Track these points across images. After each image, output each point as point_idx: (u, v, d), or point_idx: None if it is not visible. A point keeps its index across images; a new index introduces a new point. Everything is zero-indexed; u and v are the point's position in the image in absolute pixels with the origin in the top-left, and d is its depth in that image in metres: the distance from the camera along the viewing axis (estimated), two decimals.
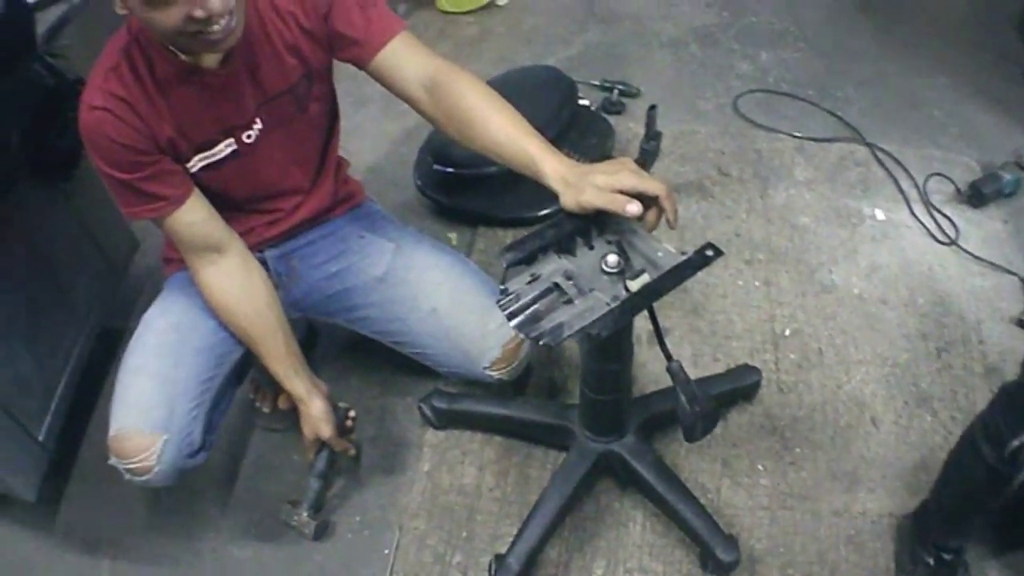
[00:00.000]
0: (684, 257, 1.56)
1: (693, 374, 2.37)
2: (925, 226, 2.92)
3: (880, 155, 3.20)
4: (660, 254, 1.58)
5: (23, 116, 2.16)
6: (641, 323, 2.50)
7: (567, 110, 2.98)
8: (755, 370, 2.42)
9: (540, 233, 1.63)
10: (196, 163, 1.90)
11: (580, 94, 3.23)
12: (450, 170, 2.90)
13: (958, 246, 2.84)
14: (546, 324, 1.51)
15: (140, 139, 1.77)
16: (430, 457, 2.41)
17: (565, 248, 1.63)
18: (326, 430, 2.09)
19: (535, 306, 1.54)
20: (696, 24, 3.96)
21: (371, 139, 3.46)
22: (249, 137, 1.92)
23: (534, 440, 2.39)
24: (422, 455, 2.42)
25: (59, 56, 2.37)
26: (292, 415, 2.24)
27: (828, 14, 4.02)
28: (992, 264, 2.76)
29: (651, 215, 1.58)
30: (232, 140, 1.91)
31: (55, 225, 2.49)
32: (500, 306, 1.55)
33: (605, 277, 1.58)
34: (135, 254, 2.92)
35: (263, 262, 2.15)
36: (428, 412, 2.41)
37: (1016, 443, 1.52)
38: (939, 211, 2.97)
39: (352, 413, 2.23)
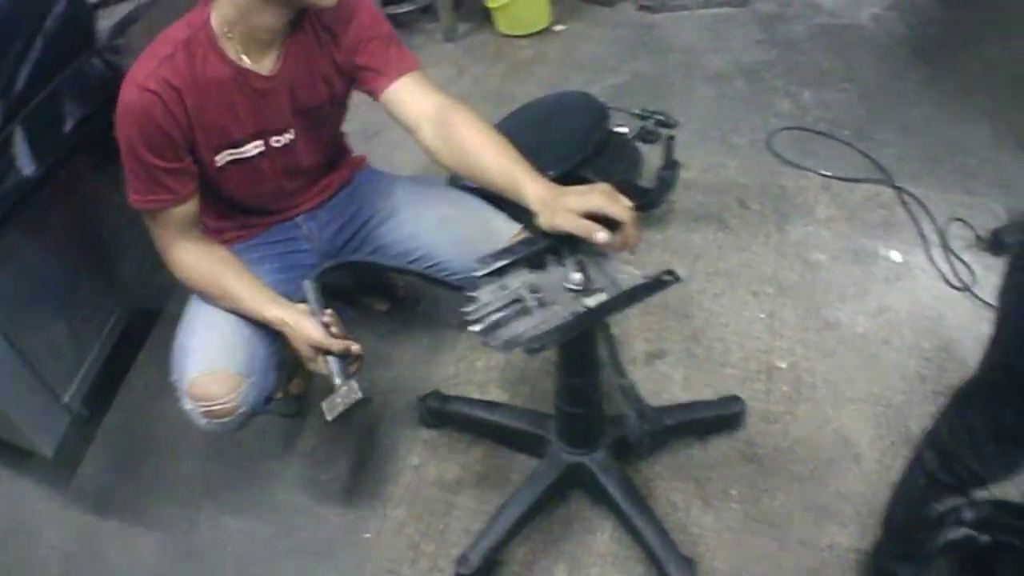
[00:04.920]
0: (643, 280, 1.65)
1: (681, 395, 2.49)
2: (941, 271, 2.94)
3: (906, 198, 3.23)
4: (623, 276, 1.67)
5: (79, 105, 2.32)
6: (640, 345, 2.61)
7: (597, 135, 3.04)
8: (739, 401, 2.47)
9: (514, 248, 1.74)
10: (224, 157, 2.03)
11: (619, 122, 3.29)
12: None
13: (972, 293, 2.85)
14: (505, 333, 1.62)
15: (179, 131, 1.90)
16: (420, 452, 2.53)
17: (536, 264, 1.74)
18: (315, 331, 2.03)
19: (498, 315, 1.64)
20: (744, 60, 4.02)
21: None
22: (278, 142, 2.08)
23: (515, 446, 2.48)
24: (413, 449, 2.54)
25: (118, 52, 2.53)
26: (301, 400, 2.36)
27: (880, 58, 4.05)
28: None
29: (617, 238, 1.65)
30: (261, 142, 2.06)
31: (105, 207, 2.65)
32: (466, 314, 1.65)
33: (568, 293, 1.67)
34: None
35: (296, 225, 2.32)
36: (424, 411, 2.54)
37: (944, 507, 1.53)
38: (957, 257, 2.99)
39: (327, 319, 2.13)
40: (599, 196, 1.64)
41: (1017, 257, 1.46)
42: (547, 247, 1.73)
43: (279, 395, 2.59)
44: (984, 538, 1.47)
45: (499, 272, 1.71)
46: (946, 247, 3.03)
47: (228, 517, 2.47)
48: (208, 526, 2.46)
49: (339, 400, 1.99)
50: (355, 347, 2.06)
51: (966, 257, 2.98)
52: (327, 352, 2.03)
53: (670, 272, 1.66)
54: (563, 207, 1.65)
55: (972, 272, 2.93)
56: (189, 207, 2.02)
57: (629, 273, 1.67)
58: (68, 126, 2.28)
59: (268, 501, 2.47)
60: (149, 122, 1.85)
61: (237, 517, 2.46)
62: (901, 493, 1.89)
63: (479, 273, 1.71)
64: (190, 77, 1.87)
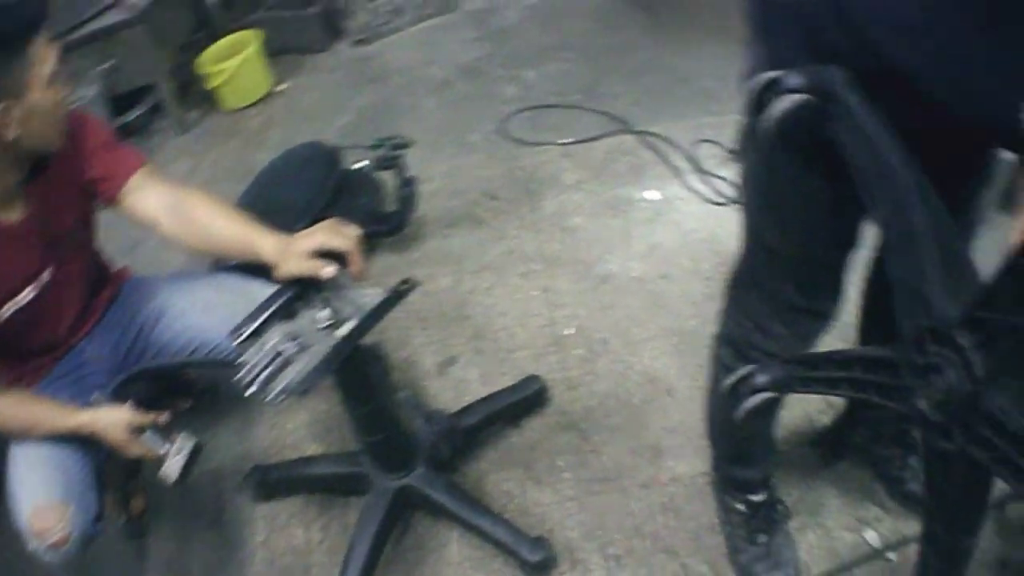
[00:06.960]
0: (384, 295, 1.72)
1: (482, 392, 2.53)
2: (700, 193, 3.06)
3: (649, 139, 3.36)
4: (366, 299, 1.73)
5: None
6: (430, 359, 2.66)
7: (332, 179, 3.11)
8: (536, 379, 2.54)
9: (262, 306, 1.78)
10: (8, 310, 2.03)
11: (357, 156, 3.35)
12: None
13: (737, 203, 2.94)
14: (277, 386, 1.66)
15: None
16: (262, 528, 2.53)
17: (288, 314, 1.79)
18: (123, 412, 2.08)
19: (266, 372, 1.69)
20: (462, 60, 4.13)
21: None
22: (44, 279, 2.08)
23: (343, 491, 2.50)
24: (255, 528, 2.54)
25: None
26: (144, 519, 2.45)
27: (596, 19, 4.19)
28: None
29: (352, 267, 1.73)
30: (33, 285, 2.05)
31: None
32: (238, 380, 1.70)
33: (322, 331, 1.73)
34: None
35: (79, 352, 2.31)
36: (252, 487, 2.55)
37: (733, 378, 1.50)
38: (714, 175, 3.12)
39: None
40: (321, 233, 1.72)
41: (743, 145, 1.52)
42: (292, 296, 1.78)
43: (123, 519, 2.59)
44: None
45: (256, 333, 1.76)
46: (700, 170, 3.16)
47: None
48: None
49: (176, 458, 2.05)
50: (163, 417, 2.11)
51: (723, 173, 3.12)
52: (140, 430, 2.06)
53: (405, 281, 1.74)
54: (292, 253, 1.73)
55: (733, 184, 3.05)
56: None
57: (370, 294, 1.74)
58: None
59: None
60: None
61: None
62: (711, 398, 1.99)
63: (235, 342, 1.75)
64: None
